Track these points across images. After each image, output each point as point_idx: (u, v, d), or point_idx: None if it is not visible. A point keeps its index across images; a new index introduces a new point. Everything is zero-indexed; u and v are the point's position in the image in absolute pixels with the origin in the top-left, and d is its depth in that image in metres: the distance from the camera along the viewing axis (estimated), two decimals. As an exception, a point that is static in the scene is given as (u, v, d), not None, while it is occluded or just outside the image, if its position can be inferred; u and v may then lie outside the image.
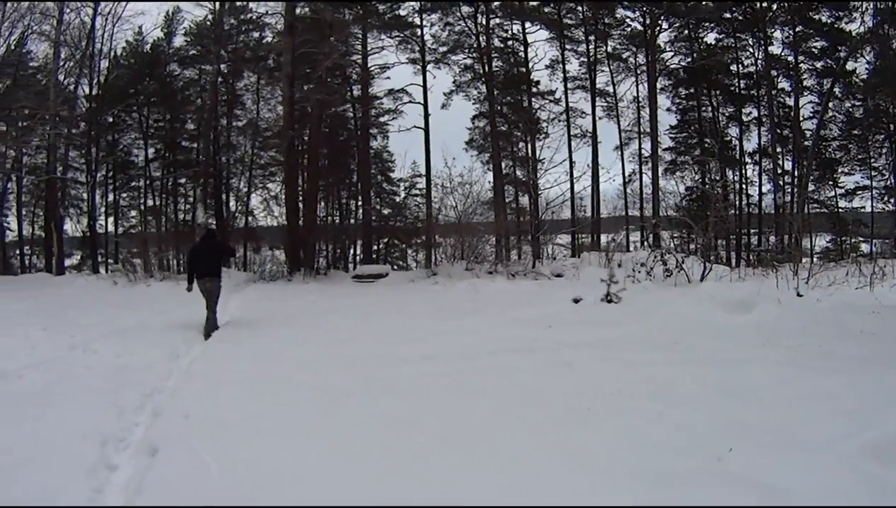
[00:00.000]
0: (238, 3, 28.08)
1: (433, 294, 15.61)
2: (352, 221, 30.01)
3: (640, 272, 13.58)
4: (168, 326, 10.65)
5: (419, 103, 27.08)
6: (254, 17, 28.84)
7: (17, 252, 32.15)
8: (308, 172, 25.45)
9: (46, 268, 26.78)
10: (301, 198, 24.79)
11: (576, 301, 11.79)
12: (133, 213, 32.17)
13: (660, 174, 27.88)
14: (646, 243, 22.83)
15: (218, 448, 4.55)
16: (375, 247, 27.77)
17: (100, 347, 8.52)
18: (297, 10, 23.70)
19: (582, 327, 9.20)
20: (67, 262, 27.71)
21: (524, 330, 9.03)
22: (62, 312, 12.47)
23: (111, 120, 29.55)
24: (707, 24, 28.31)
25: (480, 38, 27.56)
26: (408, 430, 4.89)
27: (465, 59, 28.53)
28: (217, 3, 26.29)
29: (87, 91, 28.68)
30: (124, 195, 32.00)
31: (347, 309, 12.86)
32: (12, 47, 28.58)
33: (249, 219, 30.69)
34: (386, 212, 29.73)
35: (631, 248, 24.86)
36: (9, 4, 26.39)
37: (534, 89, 29.21)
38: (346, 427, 5.01)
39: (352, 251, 29.14)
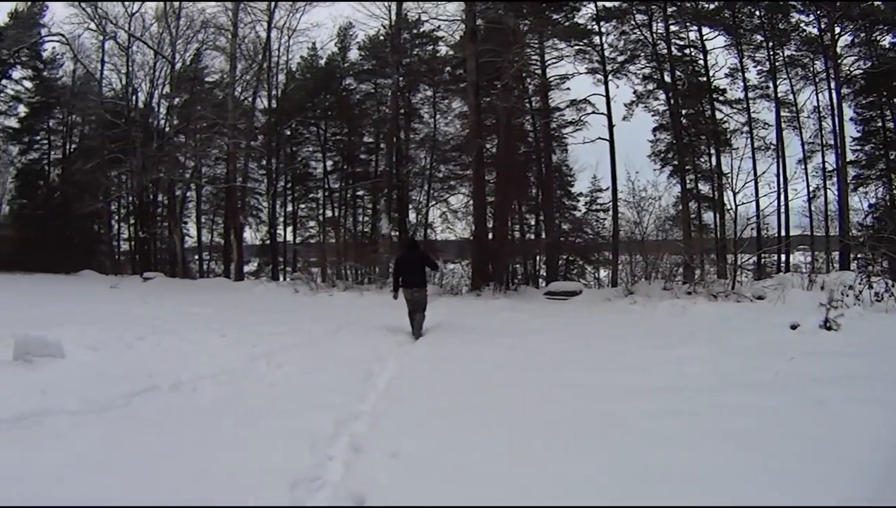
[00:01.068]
0: (413, 14, 28.04)
1: (635, 315, 14.16)
2: (531, 237, 29.17)
3: (847, 296, 12.02)
4: (356, 339, 10.10)
5: (602, 114, 25.77)
6: (427, 31, 28.83)
7: (196, 257, 34.06)
8: (497, 183, 24.44)
9: (225, 274, 27.90)
10: (491, 211, 23.99)
11: (793, 327, 10.18)
12: (311, 224, 33.18)
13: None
14: (854, 264, 20.67)
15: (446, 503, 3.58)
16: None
17: (284, 360, 7.93)
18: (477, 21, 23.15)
19: (818, 358, 7.65)
20: (246, 269, 28.76)
21: (752, 361, 7.60)
22: (242, 318, 12.27)
23: (289, 133, 30.47)
24: (882, 26, 25.01)
25: (657, 47, 26.03)
26: (682, 492, 3.69)
27: (643, 68, 27.00)
28: (393, 12, 26.21)
29: (265, 104, 29.82)
30: (302, 206, 33.09)
31: (548, 329, 11.82)
32: (187, 63, 30.38)
33: (429, 232, 30.44)
34: (566, 227, 28.71)
35: (830, 269, 22.26)
36: (182, 21, 28.03)
37: (718, 98, 27.05)
38: (604, 483, 3.87)
39: (533, 267, 28.28)
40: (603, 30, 26.33)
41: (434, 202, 30.73)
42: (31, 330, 7.97)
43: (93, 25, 30.46)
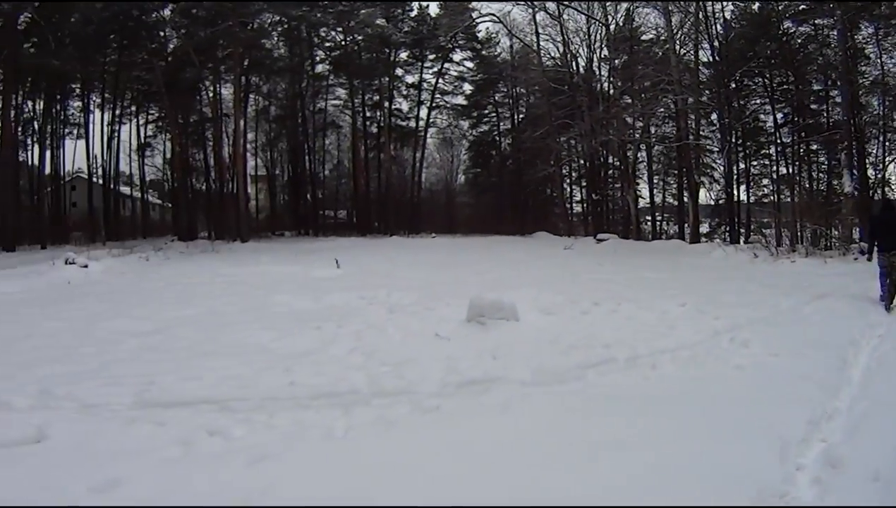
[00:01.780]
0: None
1: None
2: None
3: None
4: (825, 317, 8.28)
5: None
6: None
7: (649, 218, 33.69)
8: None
9: (679, 236, 26.99)
10: None
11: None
12: (765, 182, 30.45)
13: None
14: None
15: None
16: None
17: (750, 337, 6.78)
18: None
19: None
20: (700, 230, 27.44)
21: None
22: (701, 286, 11.27)
23: (734, 85, 27.98)
24: None
25: None
26: None
27: None
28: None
29: (707, 57, 27.84)
30: (754, 162, 30.50)
31: None
32: (620, 24, 29.63)
33: (886, 190, 25.21)
34: None
35: None
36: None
37: None
38: None
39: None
40: None
41: (893, 156, 25.33)
42: (486, 291, 8.17)
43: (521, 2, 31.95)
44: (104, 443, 4.04)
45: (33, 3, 28.65)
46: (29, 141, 34.95)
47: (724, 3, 27.43)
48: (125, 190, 43.16)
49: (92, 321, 8.61)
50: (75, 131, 36.87)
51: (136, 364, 6.16)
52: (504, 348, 6.39)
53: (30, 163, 35.59)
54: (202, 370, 5.80)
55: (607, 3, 29.38)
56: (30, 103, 34.05)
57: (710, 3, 26.58)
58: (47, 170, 36.16)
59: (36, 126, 34.65)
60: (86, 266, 16.13)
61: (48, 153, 35.33)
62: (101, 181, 37.89)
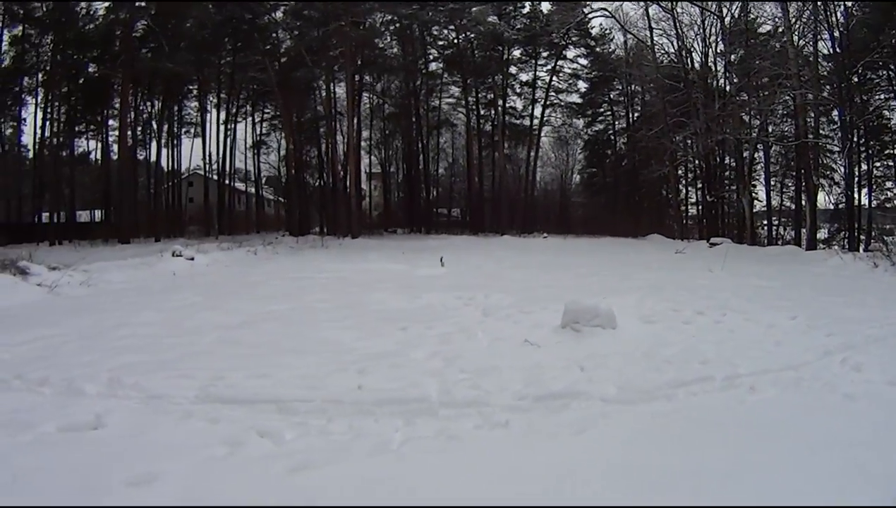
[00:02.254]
0: None
1: None
2: None
3: None
4: None
5: None
6: None
7: (765, 222, 32.51)
8: None
9: (796, 242, 25.96)
10: None
11: None
12: (888, 184, 28.80)
13: None
14: None
15: None
16: None
17: (864, 360, 6.29)
18: None
19: None
20: (818, 236, 26.27)
21: None
22: (814, 297, 10.80)
23: (856, 79, 26.49)
24: None
25: None
26: None
27: None
28: None
29: (828, 48, 26.58)
30: (878, 164, 28.90)
31: None
32: (736, 15, 28.62)
33: None
34: None
35: None
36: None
37: None
38: None
39: None
40: None
41: None
42: (585, 296, 8.15)
43: (632, -3, 31.23)
44: (155, 436, 4.27)
45: (150, 11, 30.69)
46: (148, 140, 37.46)
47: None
48: (240, 186, 45.35)
49: (185, 312, 9.20)
50: (192, 130, 39.53)
51: (212, 357, 6.42)
52: (595, 358, 6.34)
53: (150, 160, 38.05)
54: (274, 367, 5.97)
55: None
56: (149, 104, 36.49)
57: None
58: (166, 167, 38.71)
59: (154, 126, 37.00)
60: (192, 258, 17.27)
61: (166, 151, 37.98)
62: (216, 177, 39.91)
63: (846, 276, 14.64)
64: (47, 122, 32.68)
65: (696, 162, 33.25)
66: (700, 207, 34.33)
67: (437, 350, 6.85)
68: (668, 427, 4.53)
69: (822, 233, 28.34)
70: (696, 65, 31.94)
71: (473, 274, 15.06)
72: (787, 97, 26.04)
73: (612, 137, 42.40)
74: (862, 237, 26.10)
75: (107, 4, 31.54)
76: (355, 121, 36.83)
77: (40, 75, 32.65)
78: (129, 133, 34.22)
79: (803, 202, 25.28)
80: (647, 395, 5.24)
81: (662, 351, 6.72)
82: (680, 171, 35.64)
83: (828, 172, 29.00)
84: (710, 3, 29.57)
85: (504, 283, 12.81)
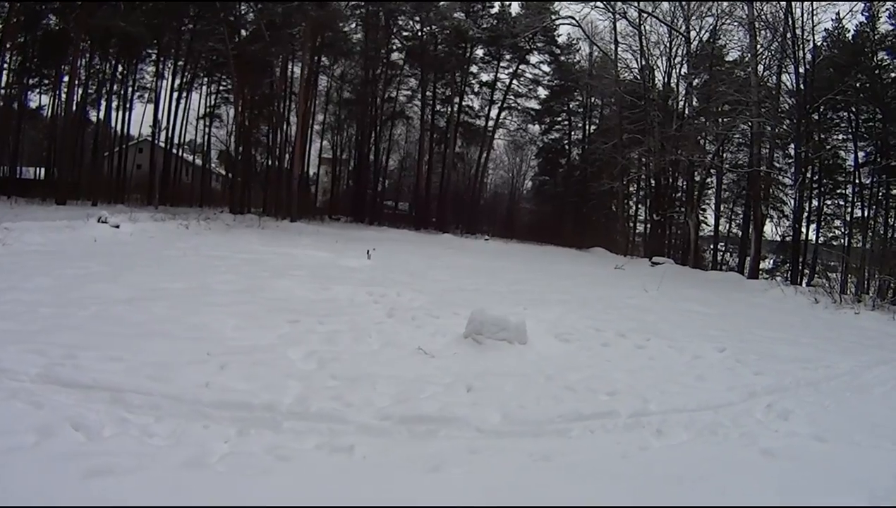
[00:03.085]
0: None
1: None
2: None
3: None
4: (893, 387, 6.85)
5: None
6: None
7: (711, 247, 32.51)
8: None
9: (738, 269, 25.70)
10: None
11: None
12: (836, 223, 28.99)
13: None
14: None
15: None
16: None
17: (792, 406, 5.51)
18: None
19: None
20: (761, 266, 26.15)
21: None
22: (748, 329, 10.04)
23: (816, 117, 26.41)
24: None
25: None
26: None
27: None
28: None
29: (791, 83, 26.33)
30: (828, 202, 29.06)
31: None
32: (703, 39, 28.44)
33: None
34: None
35: None
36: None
37: None
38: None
39: None
40: None
41: None
42: (508, 305, 7.45)
43: (600, 4, 31.24)
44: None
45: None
46: (100, 101, 35.63)
47: (816, 26, 25.86)
48: (190, 158, 43.65)
49: (79, 282, 8.41)
50: (146, 95, 37.51)
51: (77, 333, 5.77)
52: (488, 377, 5.55)
53: (96, 120, 36.28)
54: (134, 351, 5.34)
55: (692, 18, 28.03)
56: (107, 65, 34.77)
57: (801, 22, 25.13)
58: (118, 131, 36.99)
59: (108, 86, 35.27)
60: (117, 226, 16.32)
61: (117, 114, 36.22)
62: (163, 145, 38.31)
63: (785, 310, 14.03)
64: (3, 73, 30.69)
65: (648, 179, 32.81)
66: (647, 225, 33.95)
67: (317, 349, 6.08)
68: (546, 475, 3.70)
69: (766, 264, 28.28)
70: (659, 84, 31.60)
71: (399, 269, 14.10)
72: (745, 125, 25.80)
73: (567, 147, 42.03)
74: (806, 271, 25.94)
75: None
76: (309, 103, 35.80)
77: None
78: (81, 91, 32.59)
79: (750, 230, 24.98)
80: (534, 428, 4.46)
81: (569, 375, 5.93)
82: (632, 188, 35.32)
83: (778, 204, 28.98)
84: (680, 23, 29.14)
85: (425, 283, 11.94)
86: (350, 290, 9.76)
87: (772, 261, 29.79)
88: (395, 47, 40.11)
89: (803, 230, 27.06)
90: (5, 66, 30.61)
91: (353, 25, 38.53)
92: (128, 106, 37.07)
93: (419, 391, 5.01)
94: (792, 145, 26.81)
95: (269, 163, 39.03)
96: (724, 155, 29.52)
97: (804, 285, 20.91)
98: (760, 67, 25.34)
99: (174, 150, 39.04)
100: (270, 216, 32.12)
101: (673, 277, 18.49)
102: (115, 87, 35.83)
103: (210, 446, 3.74)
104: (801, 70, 25.60)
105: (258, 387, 4.73)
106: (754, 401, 5.66)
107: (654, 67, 31.69)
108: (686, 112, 29.35)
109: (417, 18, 37.19)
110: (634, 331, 8.40)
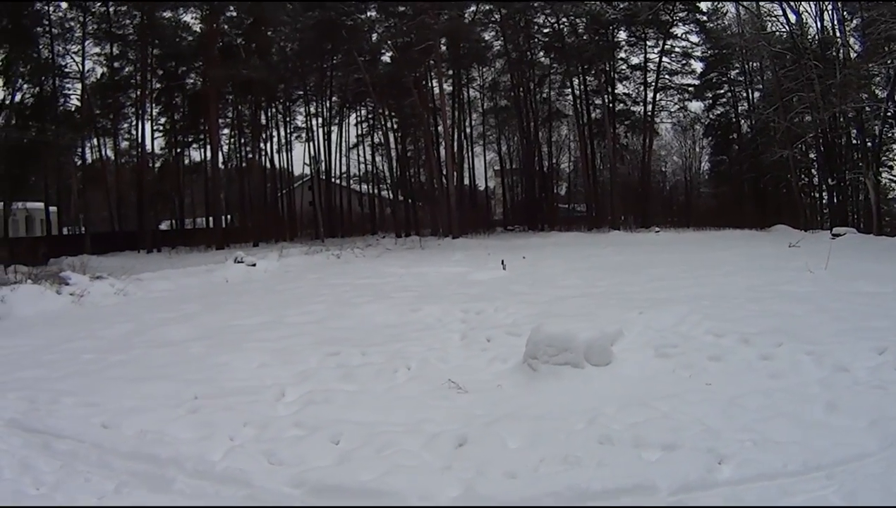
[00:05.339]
0: None
1: None
2: None
3: None
4: None
5: None
6: None
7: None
8: None
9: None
10: None
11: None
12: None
13: None
14: None
15: None
16: None
17: None
18: None
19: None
20: None
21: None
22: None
23: None
24: None
25: None
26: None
27: None
28: None
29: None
30: None
31: None
32: None
33: None
34: None
35: None
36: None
37: None
38: None
39: None
40: None
41: None
42: (611, 310, 7.30)
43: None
44: None
45: (238, 31, 31.08)
46: (265, 148, 38.05)
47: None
48: (359, 187, 45.13)
49: (157, 325, 9.00)
50: (303, 135, 39.57)
51: (85, 378, 6.01)
52: (506, 423, 4.47)
53: (264, 165, 38.90)
54: (119, 396, 5.38)
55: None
56: (262, 113, 36.98)
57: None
58: (282, 170, 39.63)
59: (266, 134, 37.95)
60: (253, 264, 17.13)
61: (278, 156, 39.25)
62: (326, 178, 40.33)
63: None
64: (149, 134, 34.16)
65: (817, 142, 29.26)
66: (825, 193, 30.49)
67: (315, 389, 5.56)
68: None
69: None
70: (813, 31, 28.46)
71: (527, 278, 13.51)
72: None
73: (736, 119, 38.80)
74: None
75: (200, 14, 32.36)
76: (454, 116, 36.60)
77: (139, 91, 33.49)
78: (235, 141, 36.35)
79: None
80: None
81: (629, 413, 4.58)
82: (811, 154, 31.78)
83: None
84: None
85: (544, 291, 11.30)
86: (442, 310, 9.27)
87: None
88: (539, 46, 39.28)
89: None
90: (161, 127, 34.16)
91: (493, 33, 38.43)
92: (289, 147, 40.10)
93: (385, 445, 4.20)
94: None
95: (430, 183, 39.49)
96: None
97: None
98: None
99: (335, 181, 40.58)
100: (435, 236, 32.52)
101: (850, 250, 16.11)
102: (270, 132, 38.52)
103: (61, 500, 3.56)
104: None
105: (200, 436, 4.40)
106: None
107: (805, 13, 28.54)
108: (848, 56, 26.15)
109: (549, 10, 36.00)
110: (766, 334, 6.58)
